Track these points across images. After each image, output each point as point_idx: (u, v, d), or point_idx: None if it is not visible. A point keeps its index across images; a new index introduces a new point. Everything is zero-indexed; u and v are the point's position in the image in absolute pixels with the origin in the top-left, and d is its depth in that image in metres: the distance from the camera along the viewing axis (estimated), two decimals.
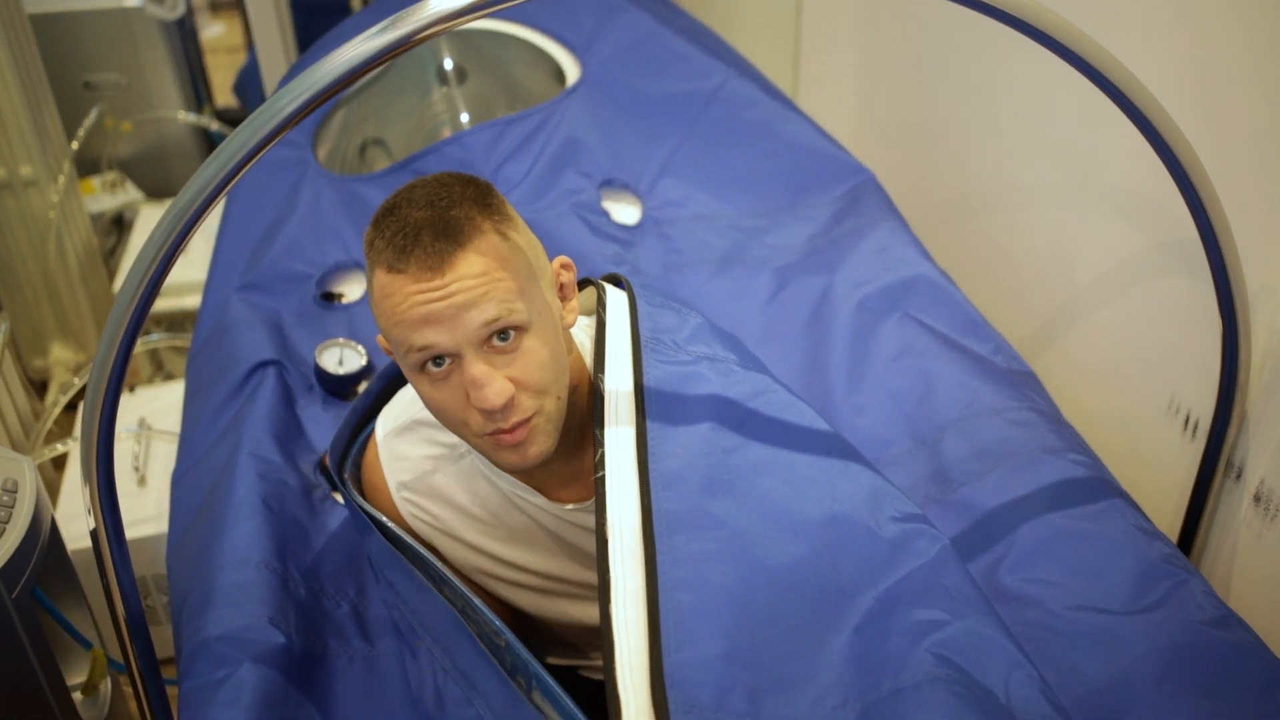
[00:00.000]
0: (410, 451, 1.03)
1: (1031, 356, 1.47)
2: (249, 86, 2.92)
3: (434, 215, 0.85)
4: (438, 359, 0.86)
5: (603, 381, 0.93)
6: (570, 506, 1.00)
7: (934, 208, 1.67)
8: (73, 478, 1.81)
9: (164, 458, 1.80)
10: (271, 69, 2.22)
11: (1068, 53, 0.89)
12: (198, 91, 2.99)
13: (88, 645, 1.25)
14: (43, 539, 1.16)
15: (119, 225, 2.77)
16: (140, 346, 2.15)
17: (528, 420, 0.88)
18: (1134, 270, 1.29)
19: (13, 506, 1.13)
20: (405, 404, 1.05)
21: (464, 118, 1.71)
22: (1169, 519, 1.22)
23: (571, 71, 1.69)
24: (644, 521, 0.83)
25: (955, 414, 1.20)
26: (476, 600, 0.91)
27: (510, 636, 0.87)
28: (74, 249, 2.39)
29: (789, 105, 1.66)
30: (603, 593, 0.80)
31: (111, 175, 2.76)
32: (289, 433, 1.24)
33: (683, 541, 0.82)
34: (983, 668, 0.80)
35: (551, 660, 1.17)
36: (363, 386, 1.33)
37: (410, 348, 0.85)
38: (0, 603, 1.08)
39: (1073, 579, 0.99)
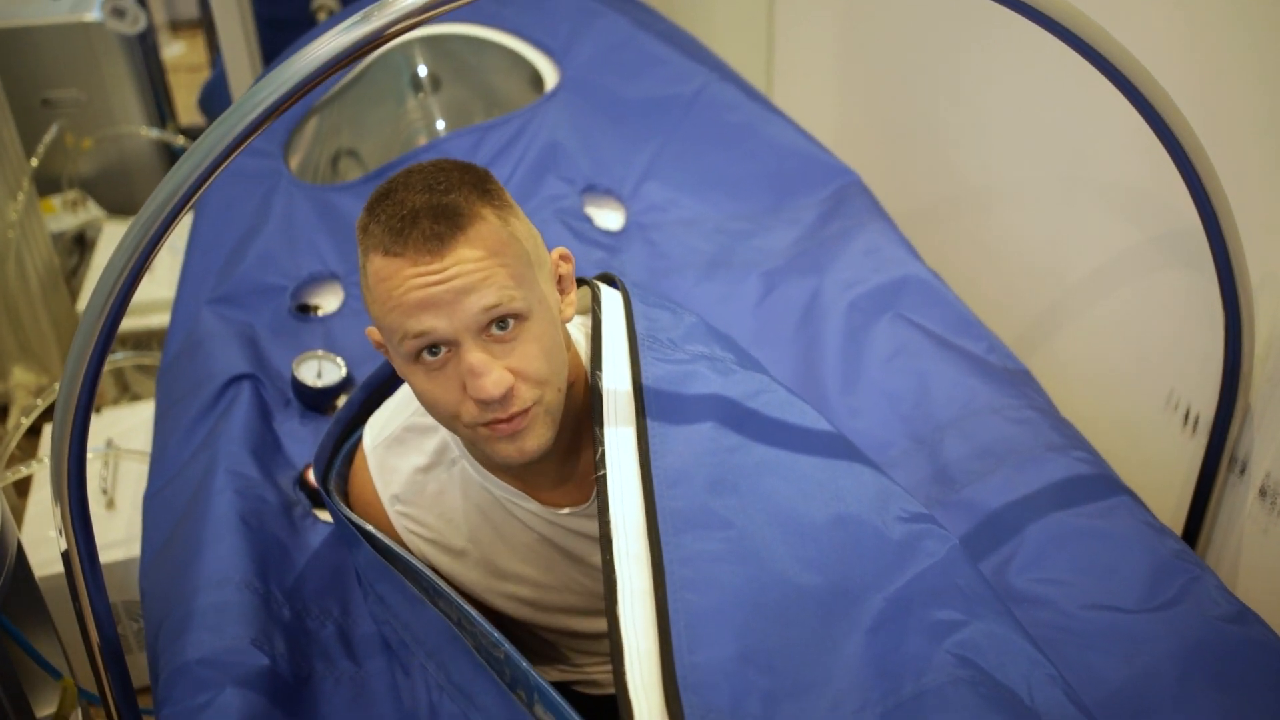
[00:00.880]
0: (401, 463, 0.99)
1: (1024, 356, 1.45)
2: (214, 100, 2.87)
3: (432, 199, 0.81)
4: (433, 347, 0.82)
5: (600, 379, 0.90)
6: (565, 511, 0.97)
7: (919, 209, 1.66)
8: (38, 501, 1.74)
9: (133, 480, 1.74)
10: (240, 81, 2.17)
11: (1070, 36, 0.87)
12: (160, 108, 2.93)
13: (57, 675, 1.19)
14: (8, 565, 1.10)
15: (81, 244, 2.70)
16: (105, 366, 2.08)
17: (526, 410, 0.84)
18: (1127, 265, 1.28)
19: None
20: (392, 413, 1.01)
21: (440, 125, 1.68)
22: (1171, 517, 1.20)
23: (549, 76, 1.66)
24: (649, 520, 0.80)
25: (954, 414, 1.18)
26: (472, 611, 0.87)
27: (509, 648, 0.84)
28: (34, 269, 2.32)
29: (770, 108, 1.64)
30: (609, 594, 0.77)
31: (72, 194, 2.69)
32: (266, 448, 1.19)
33: (690, 541, 0.79)
34: (1004, 668, 0.78)
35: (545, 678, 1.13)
36: (342, 400, 1.29)
37: (406, 334, 0.82)
38: None
39: (1084, 578, 0.97)
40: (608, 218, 1.51)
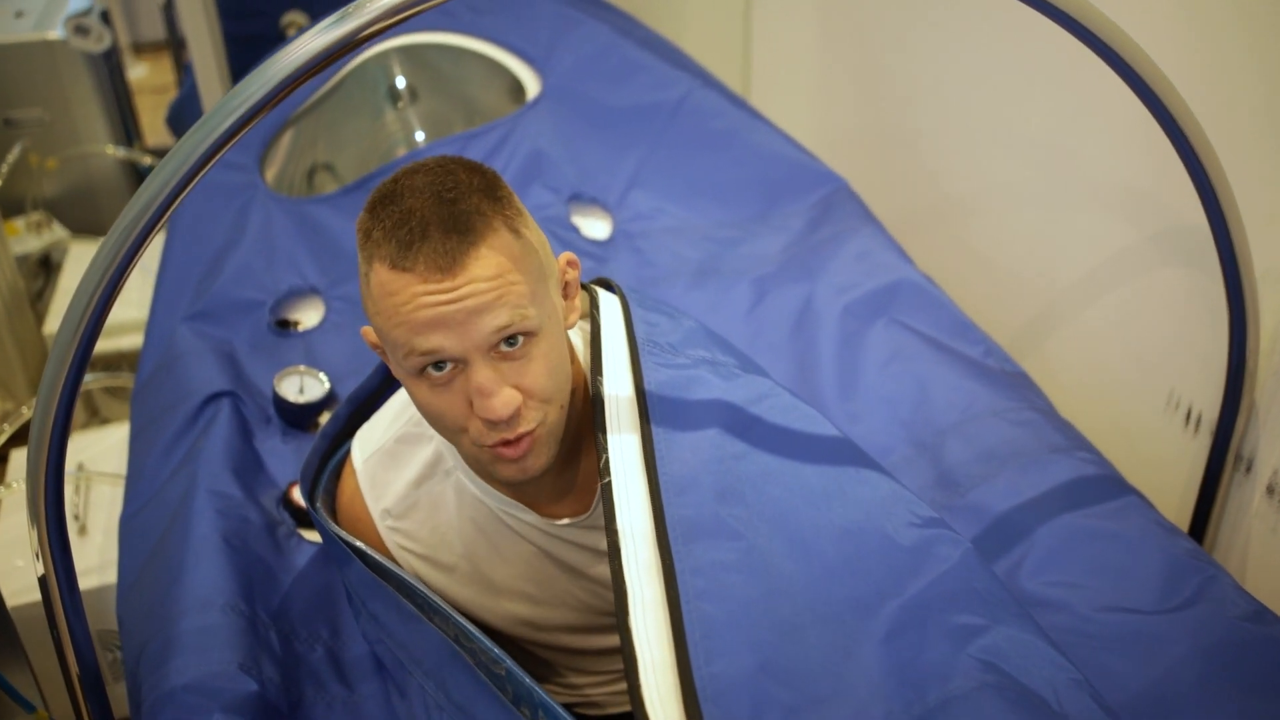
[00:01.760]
0: (392, 476, 0.96)
1: (1019, 361, 1.44)
2: (184, 118, 2.81)
3: (442, 208, 0.77)
4: (439, 364, 0.79)
5: (601, 385, 0.87)
6: (564, 522, 0.94)
7: (904, 216, 1.64)
8: (6, 529, 1.68)
9: (105, 506, 1.68)
10: (211, 97, 2.13)
11: (1076, 25, 0.86)
12: (127, 128, 2.87)
13: (30, 708, 1.14)
14: None
15: (46, 266, 2.64)
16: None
17: (531, 432, 0.81)
18: (1121, 265, 1.27)
19: None
20: (385, 425, 0.98)
21: (419, 136, 1.64)
22: (1175, 518, 1.18)
23: (531, 85, 1.64)
24: (657, 528, 0.77)
25: (954, 417, 1.16)
26: (471, 626, 0.83)
27: (511, 664, 0.80)
28: None
29: (755, 114, 1.63)
30: (620, 604, 0.74)
31: (37, 215, 2.62)
32: (248, 467, 1.15)
33: (702, 549, 0.76)
34: (1029, 673, 0.76)
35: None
36: (325, 417, 1.25)
37: (412, 351, 0.78)
38: None
39: (1098, 580, 0.95)
40: (594, 227, 1.48)
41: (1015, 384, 1.21)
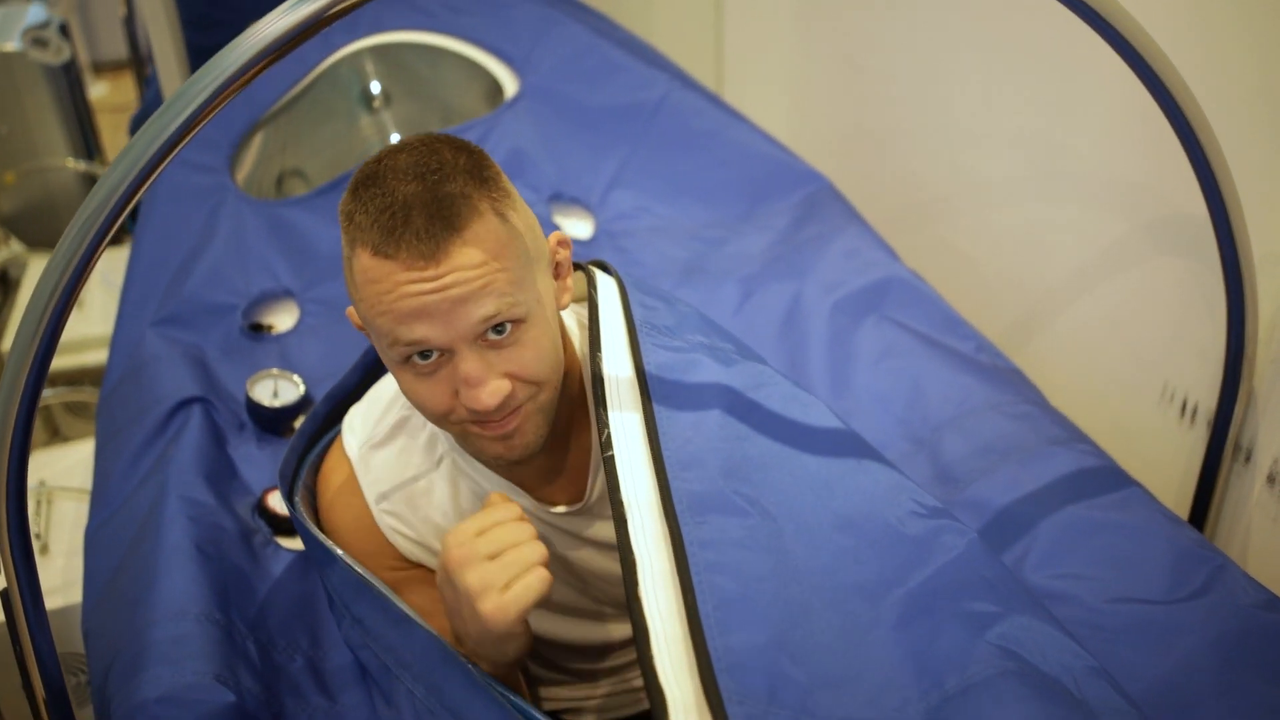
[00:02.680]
0: (388, 461, 0.93)
1: (1011, 357, 1.42)
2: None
3: (425, 191, 0.74)
4: (425, 353, 0.77)
5: (601, 362, 0.84)
6: (560, 509, 0.91)
7: (888, 218, 1.63)
8: None
9: (68, 525, 1.62)
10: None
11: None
12: (87, 142, 2.81)
13: None
14: None
15: (4, 283, 2.56)
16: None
17: (519, 408, 0.80)
18: (1111, 258, 1.26)
19: None
20: (380, 411, 0.95)
21: (395, 139, 1.61)
22: (1173, 511, 1.17)
23: (509, 85, 1.61)
24: (663, 501, 0.75)
25: (950, 412, 1.14)
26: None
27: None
28: None
29: (735, 114, 1.61)
30: (628, 575, 0.71)
31: None
32: (221, 474, 1.10)
33: (712, 523, 0.74)
34: (1048, 661, 0.74)
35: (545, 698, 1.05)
36: (299, 421, 1.20)
37: (396, 340, 0.76)
38: None
39: (1105, 571, 0.93)
40: (577, 227, 1.46)
41: (1009, 379, 1.20)
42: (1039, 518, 0.99)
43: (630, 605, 0.70)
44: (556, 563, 0.93)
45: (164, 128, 0.66)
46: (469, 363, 0.76)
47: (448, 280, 0.74)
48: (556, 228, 1.41)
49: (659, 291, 0.96)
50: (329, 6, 0.66)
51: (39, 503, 1.62)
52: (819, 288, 1.31)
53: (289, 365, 1.26)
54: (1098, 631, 0.88)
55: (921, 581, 0.77)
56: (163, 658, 0.86)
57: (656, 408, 0.81)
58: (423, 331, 0.75)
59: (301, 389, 1.20)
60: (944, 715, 0.69)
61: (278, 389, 1.19)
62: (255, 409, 1.18)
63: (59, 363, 2.13)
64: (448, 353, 0.77)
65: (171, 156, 0.67)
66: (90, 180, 2.71)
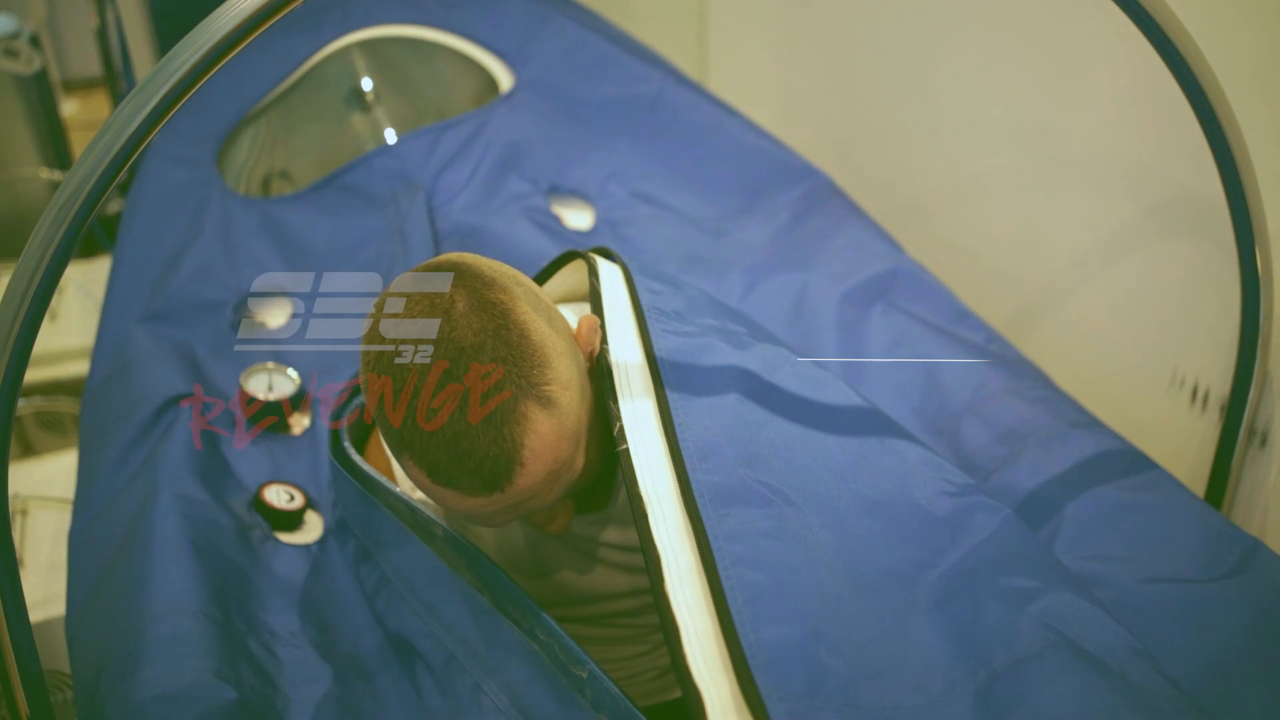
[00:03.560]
0: None
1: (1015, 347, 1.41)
2: None
3: (462, 461, 0.71)
4: None
5: (608, 354, 0.82)
6: (586, 517, 0.88)
7: (882, 215, 1.61)
8: None
9: (48, 539, 1.57)
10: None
11: None
12: (59, 152, 2.75)
13: None
14: None
15: None
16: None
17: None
18: (1115, 243, 1.25)
19: None
20: None
21: (389, 133, 1.58)
22: None
23: (504, 80, 1.59)
24: (683, 494, 0.73)
25: (967, 399, 1.12)
26: (553, 622, 0.76)
27: (594, 666, 0.73)
28: None
29: (731, 110, 1.60)
30: (654, 572, 0.69)
31: None
32: (214, 470, 1.06)
33: (735, 515, 0.72)
34: (1090, 640, 0.71)
35: None
36: (294, 416, 1.17)
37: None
38: None
39: (1137, 551, 0.91)
40: (577, 217, 1.44)
41: (1023, 367, 1.18)
42: (1066, 500, 0.97)
43: (658, 603, 0.67)
44: (575, 567, 0.90)
45: (134, 114, 0.64)
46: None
47: (512, 500, 0.72)
48: (556, 218, 1.39)
49: (665, 275, 0.94)
50: None
51: (14, 516, 1.56)
52: (825, 279, 1.30)
53: (282, 361, 1.22)
54: (1134, 612, 0.85)
55: (956, 561, 0.75)
56: (160, 656, 0.82)
57: (670, 395, 0.79)
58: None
59: (296, 382, 1.16)
60: (995, 693, 0.67)
61: (272, 383, 1.16)
62: (249, 404, 1.14)
63: (33, 374, 2.07)
64: None
65: (144, 144, 0.65)
66: None
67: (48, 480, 1.69)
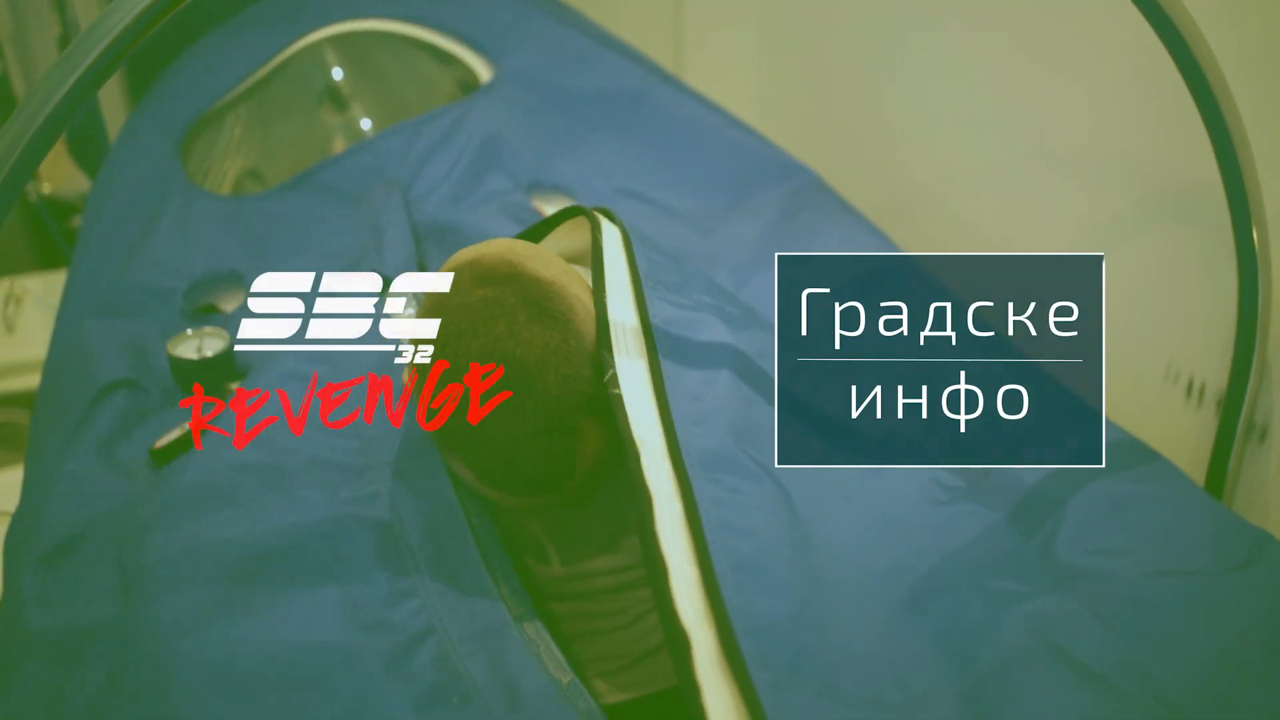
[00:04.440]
0: None
1: None
2: (85, 134, 2.64)
3: (513, 468, 0.76)
4: None
5: (605, 305, 0.79)
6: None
7: (869, 212, 1.59)
8: None
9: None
10: (113, 116, 1.99)
11: None
12: None
13: None
14: None
15: None
16: None
17: None
18: (1106, 235, 1.22)
19: None
20: None
21: (365, 125, 1.54)
22: None
23: (484, 74, 1.55)
24: (670, 454, 0.70)
25: None
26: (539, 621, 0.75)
27: (574, 678, 0.72)
28: None
29: (715, 106, 1.57)
30: (644, 510, 0.67)
31: None
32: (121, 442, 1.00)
33: (725, 482, 0.70)
34: (1078, 646, 0.70)
35: None
36: (235, 380, 1.09)
37: None
38: None
39: (1142, 544, 0.86)
40: None
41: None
42: (1066, 493, 0.93)
43: (645, 541, 0.65)
44: None
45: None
46: None
47: None
48: (536, 214, 1.35)
49: (664, 248, 0.91)
50: None
51: None
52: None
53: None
54: (1140, 608, 0.81)
55: (940, 562, 0.74)
56: None
57: (664, 361, 0.76)
58: None
59: (227, 338, 1.09)
60: (981, 695, 0.65)
61: (202, 345, 1.09)
62: (181, 367, 1.07)
63: None
64: None
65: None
66: (25, 200, 2.59)
67: (5, 493, 1.62)
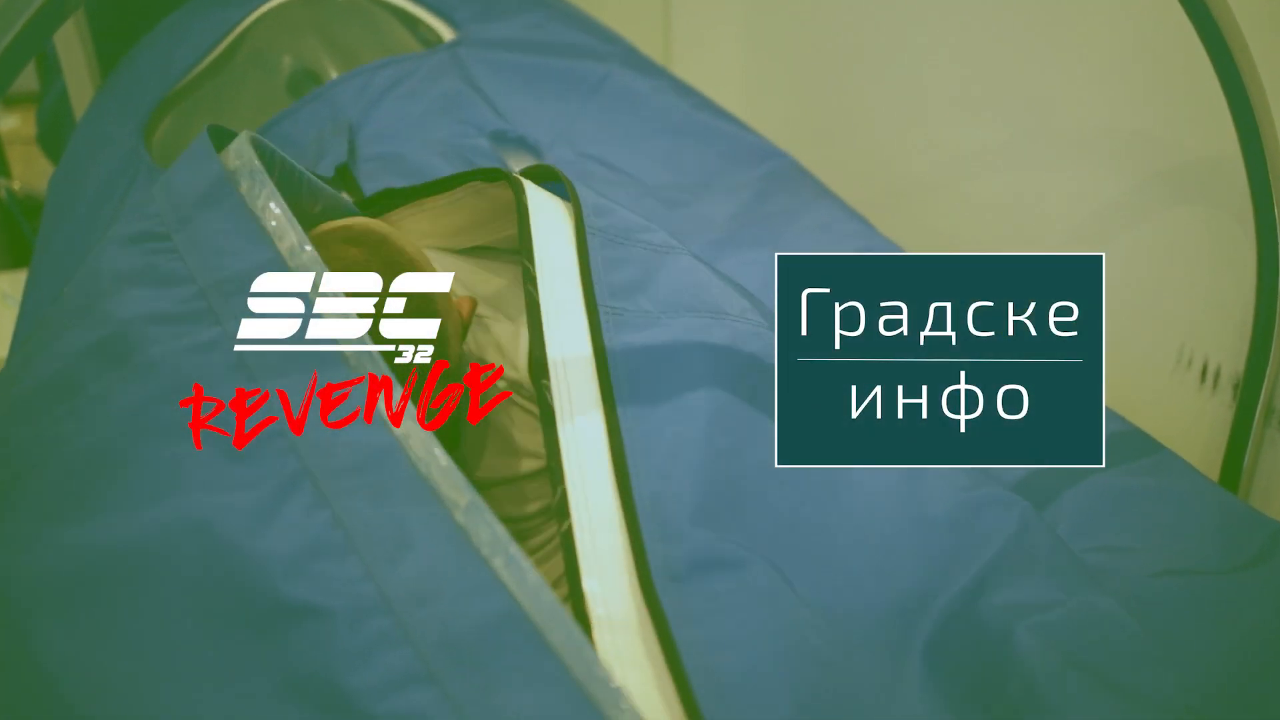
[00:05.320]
0: None
1: None
2: (54, 125, 2.58)
3: None
4: None
5: (542, 332, 0.70)
6: None
7: (857, 203, 1.53)
8: None
9: None
10: (80, 95, 1.91)
11: None
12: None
13: None
14: None
15: None
16: None
17: None
18: (1114, 216, 1.16)
19: None
20: None
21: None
22: None
23: (449, 36, 1.47)
24: (639, 571, 0.61)
25: None
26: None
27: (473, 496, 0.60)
28: None
29: (693, 90, 1.50)
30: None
31: None
32: None
33: (700, 589, 0.62)
34: (1108, 655, 0.65)
35: None
36: None
37: None
38: None
39: (1148, 541, 0.81)
40: (524, 165, 1.32)
41: None
42: (1065, 488, 0.88)
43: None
44: None
45: None
46: None
47: None
48: (503, 161, 1.25)
49: (641, 224, 0.83)
50: None
51: None
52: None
53: None
54: (1147, 609, 0.74)
55: (966, 584, 0.67)
56: None
57: (623, 410, 0.67)
58: None
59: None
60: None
61: None
62: None
63: None
64: None
65: None
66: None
67: None
